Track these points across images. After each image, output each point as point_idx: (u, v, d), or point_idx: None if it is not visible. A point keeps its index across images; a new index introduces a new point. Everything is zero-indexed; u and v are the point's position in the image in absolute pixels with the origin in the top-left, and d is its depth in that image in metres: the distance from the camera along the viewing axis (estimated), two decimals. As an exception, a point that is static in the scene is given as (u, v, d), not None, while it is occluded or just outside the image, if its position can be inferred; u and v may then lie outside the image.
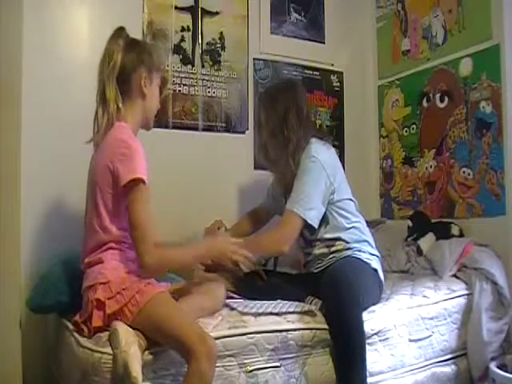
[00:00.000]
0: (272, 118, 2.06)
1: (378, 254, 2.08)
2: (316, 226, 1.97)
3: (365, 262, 1.98)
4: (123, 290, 1.50)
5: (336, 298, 1.75)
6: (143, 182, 1.53)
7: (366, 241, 2.05)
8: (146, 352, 1.47)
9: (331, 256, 2.02)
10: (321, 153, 2.00)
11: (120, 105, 1.63)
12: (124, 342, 1.37)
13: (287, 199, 2.02)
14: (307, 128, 2.08)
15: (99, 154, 1.62)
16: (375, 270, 2.00)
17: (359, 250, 2.00)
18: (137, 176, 1.51)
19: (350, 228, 2.03)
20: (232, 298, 1.94)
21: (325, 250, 2.04)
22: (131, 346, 1.37)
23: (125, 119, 1.64)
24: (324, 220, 2.00)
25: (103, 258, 1.56)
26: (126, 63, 1.65)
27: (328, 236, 2.02)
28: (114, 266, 1.55)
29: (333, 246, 2.02)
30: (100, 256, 1.57)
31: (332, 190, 1.99)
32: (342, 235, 2.01)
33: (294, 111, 2.04)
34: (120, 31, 1.69)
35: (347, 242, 2.01)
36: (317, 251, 2.06)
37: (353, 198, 2.10)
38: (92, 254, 1.59)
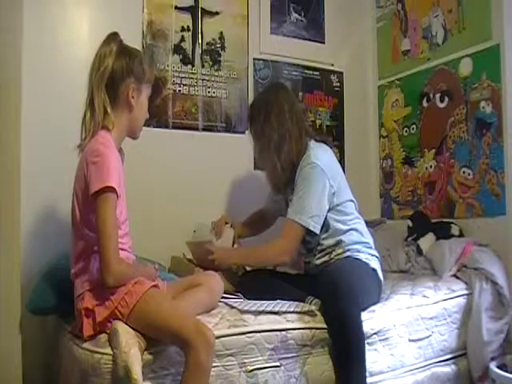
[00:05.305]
0: (257, 121, 2.08)
1: (377, 254, 2.08)
2: (318, 232, 1.97)
3: (364, 261, 1.98)
4: (111, 295, 1.49)
5: (335, 298, 1.75)
6: (113, 190, 1.48)
7: (364, 242, 2.06)
8: (146, 352, 1.46)
9: (331, 261, 2.02)
10: (320, 157, 2.00)
11: (109, 110, 1.59)
12: (124, 343, 1.37)
13: (288, 203, 2.03)
14: (296, 126, 2.05)
15: (79, 161, 1.60)
16: (374, 270, 2.00)
17: (358, 251, 2.00)
18: (105, 185, 1.47)
19: (349, 230, 2.03)
20: (231, 294, 1.94)
21: (325, 259, 2.04)
22: (131, 347, 1.37)
23: (109, 128, 1.60)
24: (325, 225, 2.00)
25: (87, 265, 1.54)
26: (115, 69, 1.60)
27: (329, 242, 2.02)
28: (98, 270, 1.51)
29: (333, 251, 2.02)
30: (84, 264, 1.55)
31: (333, 193, 2.00)
32: (342, 237, 2.01)
33: (275, 111, 2.04)
34: (114, 36, 1.65)
35: (346, 244, 2.01)
36: (317, 261, 2.06)
37: (353, 199, 2.10)
38: (76, 263, 1.57)
